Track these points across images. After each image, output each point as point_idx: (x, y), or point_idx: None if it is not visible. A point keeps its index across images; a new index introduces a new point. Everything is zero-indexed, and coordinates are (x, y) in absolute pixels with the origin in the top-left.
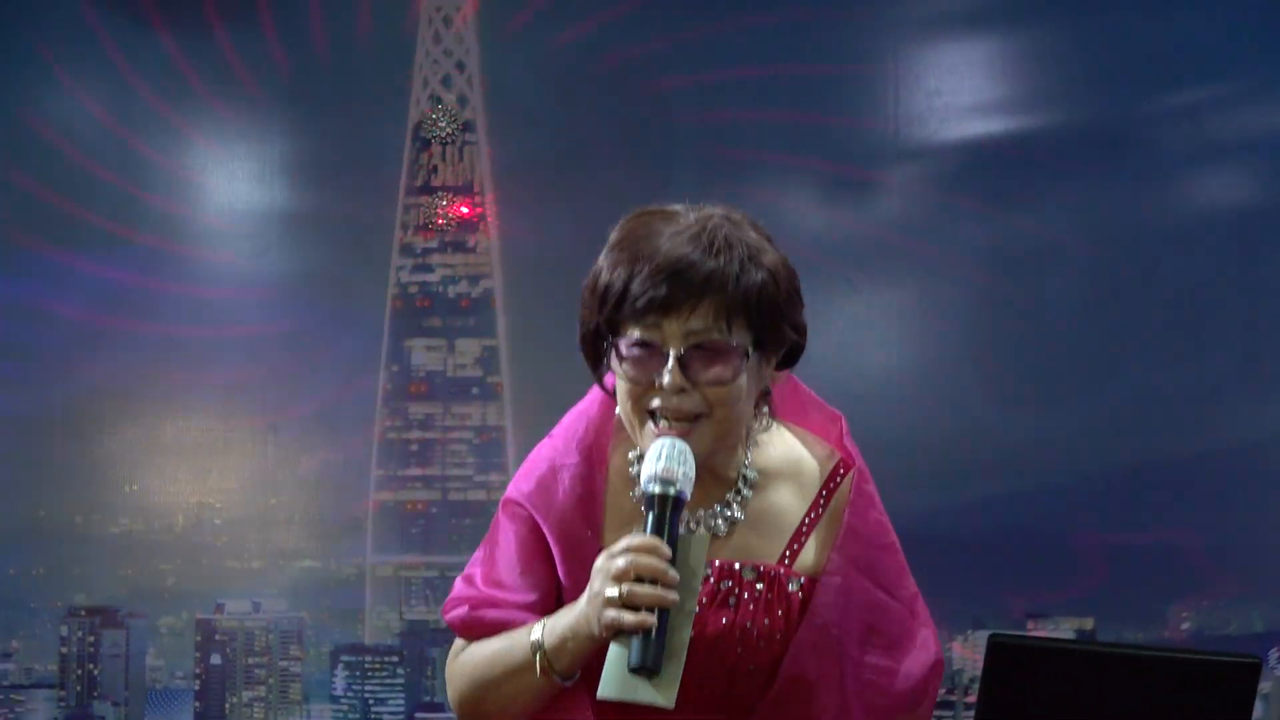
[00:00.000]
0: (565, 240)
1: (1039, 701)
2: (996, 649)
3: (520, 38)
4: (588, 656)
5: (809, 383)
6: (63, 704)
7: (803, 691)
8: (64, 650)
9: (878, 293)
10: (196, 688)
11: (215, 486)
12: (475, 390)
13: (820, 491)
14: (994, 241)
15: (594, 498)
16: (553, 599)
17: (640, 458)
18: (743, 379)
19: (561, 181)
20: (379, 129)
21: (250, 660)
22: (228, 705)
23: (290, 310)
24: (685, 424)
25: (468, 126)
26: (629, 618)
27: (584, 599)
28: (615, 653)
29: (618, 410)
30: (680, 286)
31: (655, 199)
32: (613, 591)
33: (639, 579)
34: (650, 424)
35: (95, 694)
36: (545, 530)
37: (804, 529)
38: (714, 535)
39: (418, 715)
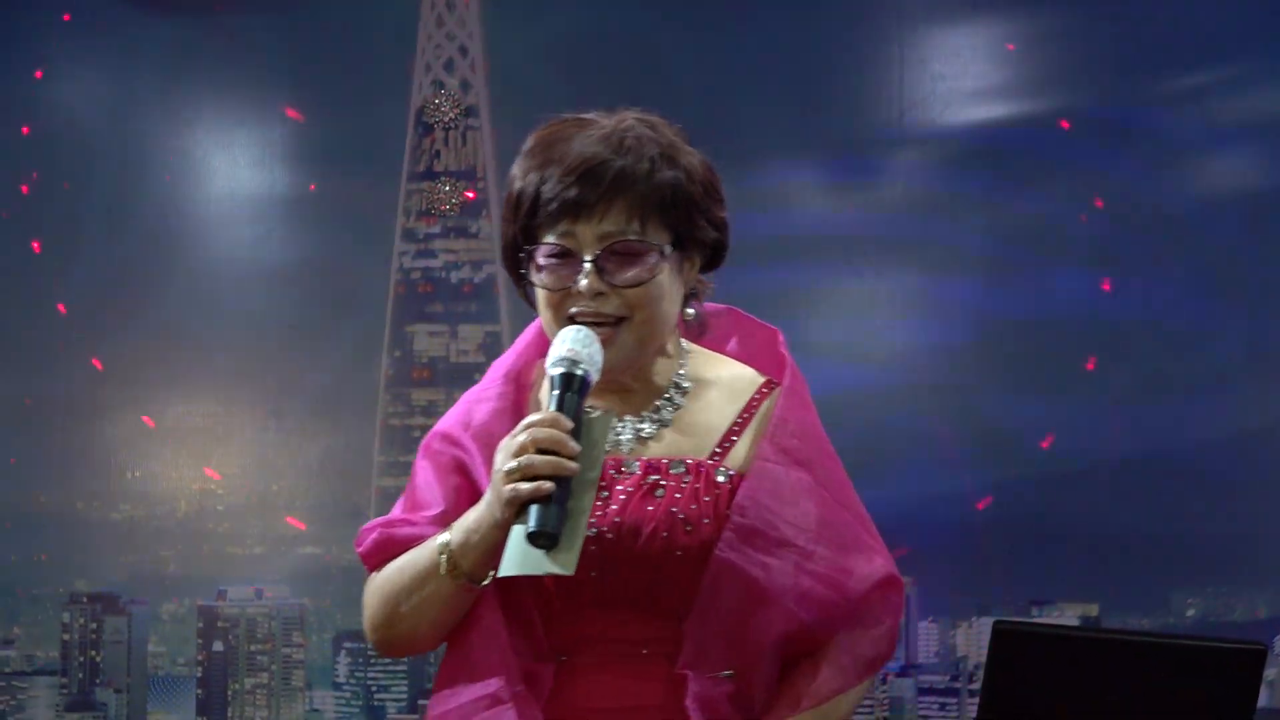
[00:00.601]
0: None
1: (1044, 688)
2: (1001, 635)
3: (523, 22)
4: (495, 549)
5: (813, 363)
6: (65, 691)
7: (739, 583)
8: (66, 637)
9: (882, 277)
10: (199, 674)
11: (217, 472)
12: (478, 376)
13: (753, 396)
14: (999, 226)
15: (518, 410)
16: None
17: None
18: (662, 278)
19: None
20: (381, 114)
21: (252, 647)
22: (230, 692)
23: (292, 295)
24: (607, 329)
25: (470, 111)
26: (525, 487)
27: (489, 487)
28: (516, 531)
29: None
30: (590, 187)
31: None
32: (511, 464)
33: (539, 452)
34: (568, 326)
35: (97, 681)
36: (466, 457)
37: (734, 430)
38: (641, 438)
39: (421, 702)
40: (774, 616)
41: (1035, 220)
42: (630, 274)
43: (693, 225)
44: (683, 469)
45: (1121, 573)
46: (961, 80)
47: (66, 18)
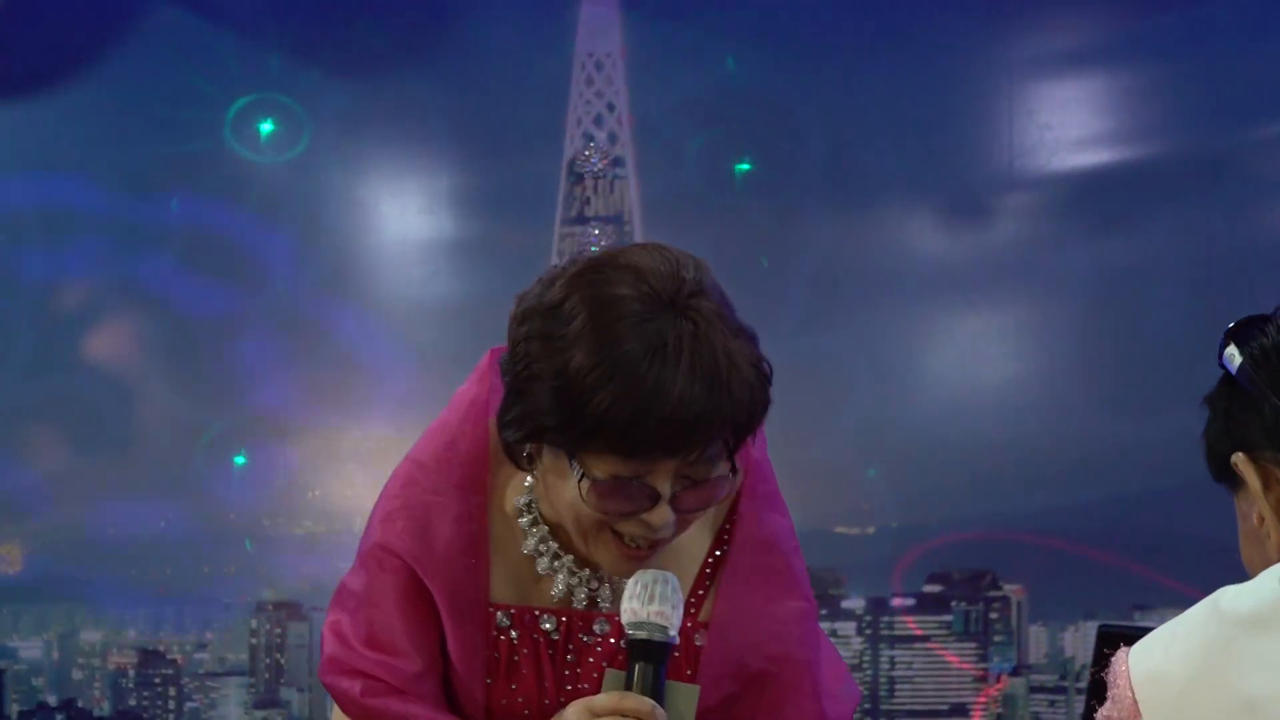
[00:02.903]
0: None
1: None
2: (1105, 638)
3: (664, 80)
4: None
5: (931, 397)
6: (253, 690)
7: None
8: (253, 641)
9: (994, 311)
10: None
11: None
12: None
13: (724, 525)
14: (1101, 263)
15: (479, 548)
16: (440, 664)
17: (530, 505)
18: None
19: (704, 211)
20: (536, 164)
21: None
22: None
23: (457, 329)
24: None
25: (618, 162)
26: None
27: None
28: None
29: (490, 428)
30: (690, 434)
31: (788, 227)
32: None
33: None
34: (615, 544)
35: (282, 681)
36: (430, 586)
37: (706, 572)
38: (602, 579)
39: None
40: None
41: (1134, 257)
42: (703, 503)
43: (754, 432)
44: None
45: (1218, 579)
46: (1067, 130)
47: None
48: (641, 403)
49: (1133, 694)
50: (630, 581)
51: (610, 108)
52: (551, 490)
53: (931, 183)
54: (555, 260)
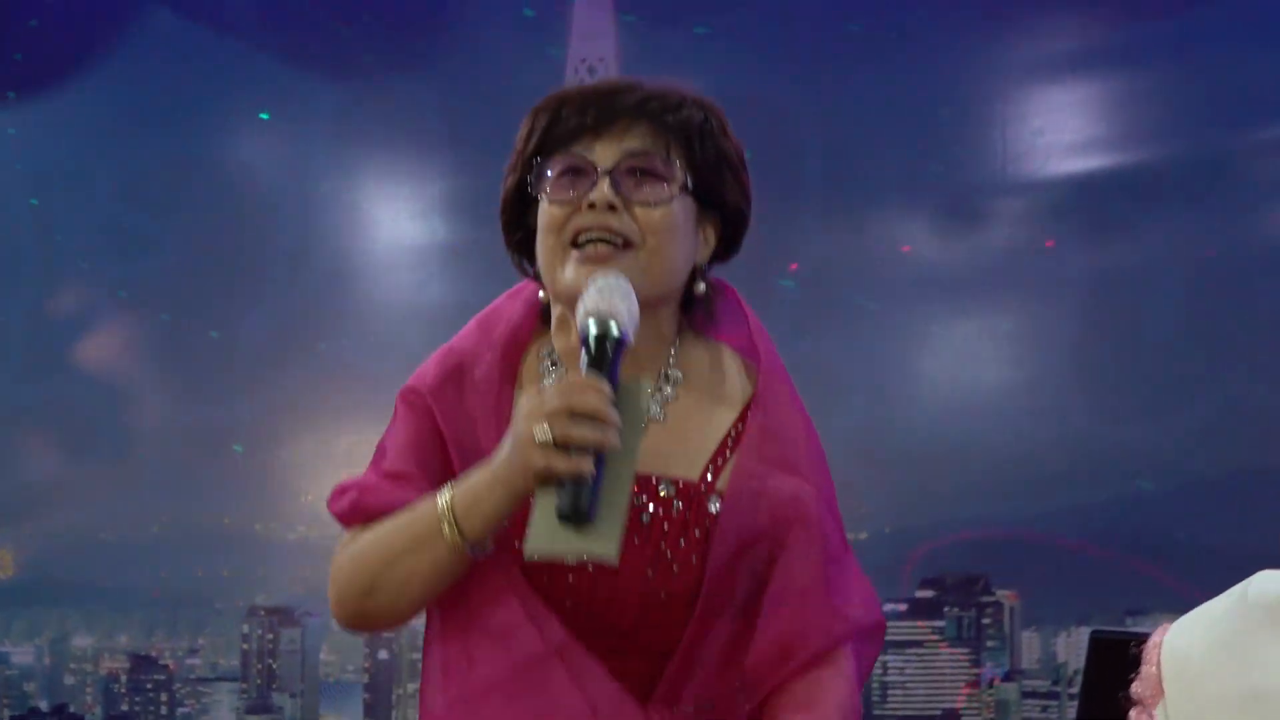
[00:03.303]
0: None
1: None
2: (1098, 643)
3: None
4: (504, 518)
5: (925, 402)
6: (245, 695)
7: (727, 631)
8: (246, 646)
9: (988, 317)
10: (366, 680)
11: None
12: None
13: (746, 406)
14: (1095, 269)
15: (501, 404)
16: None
17: (554, 361)
18: (678, 212)
19: None
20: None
21: (415, 656)
22: (395, 696)
23: (449, 334)
24: (608, 247)
25: None
26: (562, 462)
27: (504, 447)
28: (543, 505)
29: (541, 296)
30: (614, 106)
31: (782, 234)
32: (544, 433)
33: (574, 418)
34: (574, 251)
35: (274, 686)
36: (443, 429)
37: (728, 444)
38: None
39: None
40: (759, 657)
41: (1129, 263)
42: (648, 190)
43: (719, 176)
44: (672, 490)
45: (1212, 586)
46: (1061, 134)
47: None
48: (563, 96)
49: (1158, 670)
50: (588, 284)
51: None
52: (539, 251)
53: (924, 187)
54: None
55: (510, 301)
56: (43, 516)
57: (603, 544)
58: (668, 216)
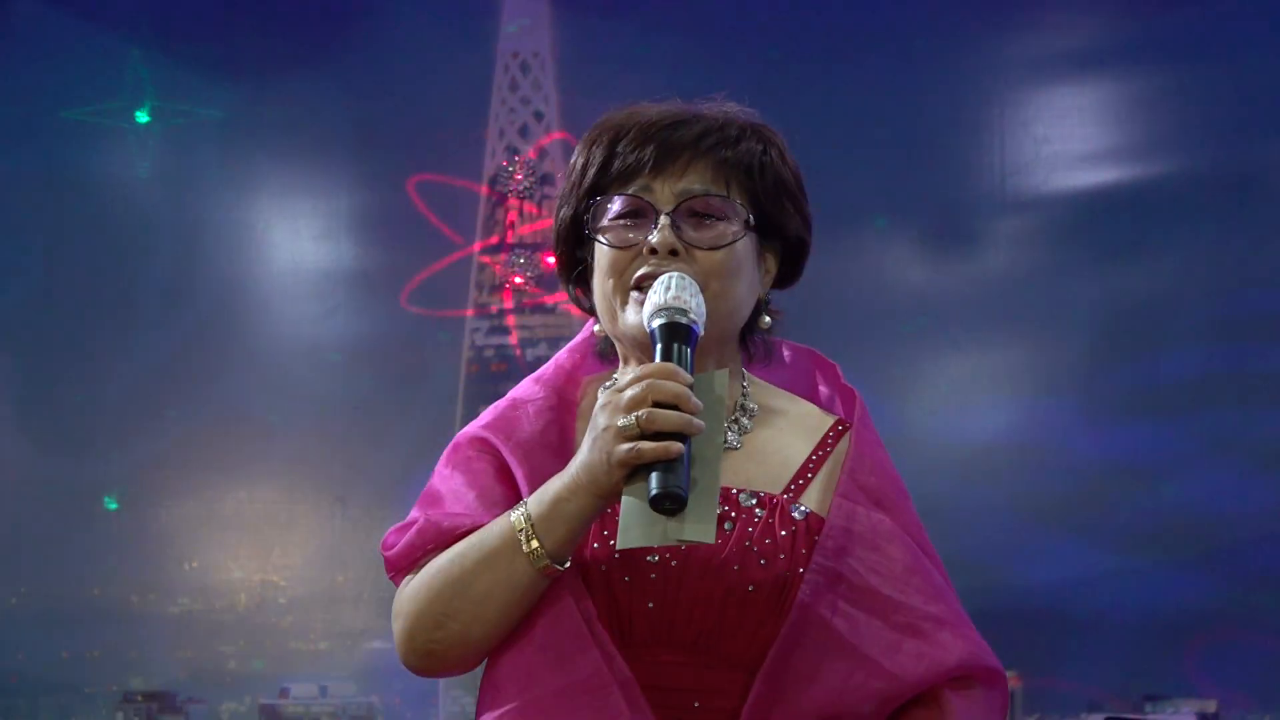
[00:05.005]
0: None
1: None
2: None
3: (602, 83)
4: (586, 525)
5: (911, 449)
6: None
7: (824, 633)
8: None
9: (984, 353)
10: None
11: (279, 563)
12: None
13: (826, 435)
14: (1108, 298)
15: (564, 432)
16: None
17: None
18: (741, 252)
19: None
20: (452, 182)
21: None
22: None
23: (359, 376)
24: None
25: (547, 179)
26: (649, 446)
27: (581, 451)
28: (631, 502)
29: (595, 331)
30: (672, 143)
31: None
32: (627, 420)
33: (657, 405)
34: (635, 293)
35: None
36: (509, 457)
37: (810, 466)
38: None
39: None
40: (863, 677)
41: (1147, 291)
42: (710, 234)
43: (780, 208)
44: (754, 501)
45: (1246, 665)
46: (1067, 144)
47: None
48: (619, 129)
49: None
50: (654, 285)
51: (538, 116)
52: (595, 293)
53: (909, 204)
54: (474, 293)
55: (563, 351)
56: None
57: (698, 527)
58: (730, 259)
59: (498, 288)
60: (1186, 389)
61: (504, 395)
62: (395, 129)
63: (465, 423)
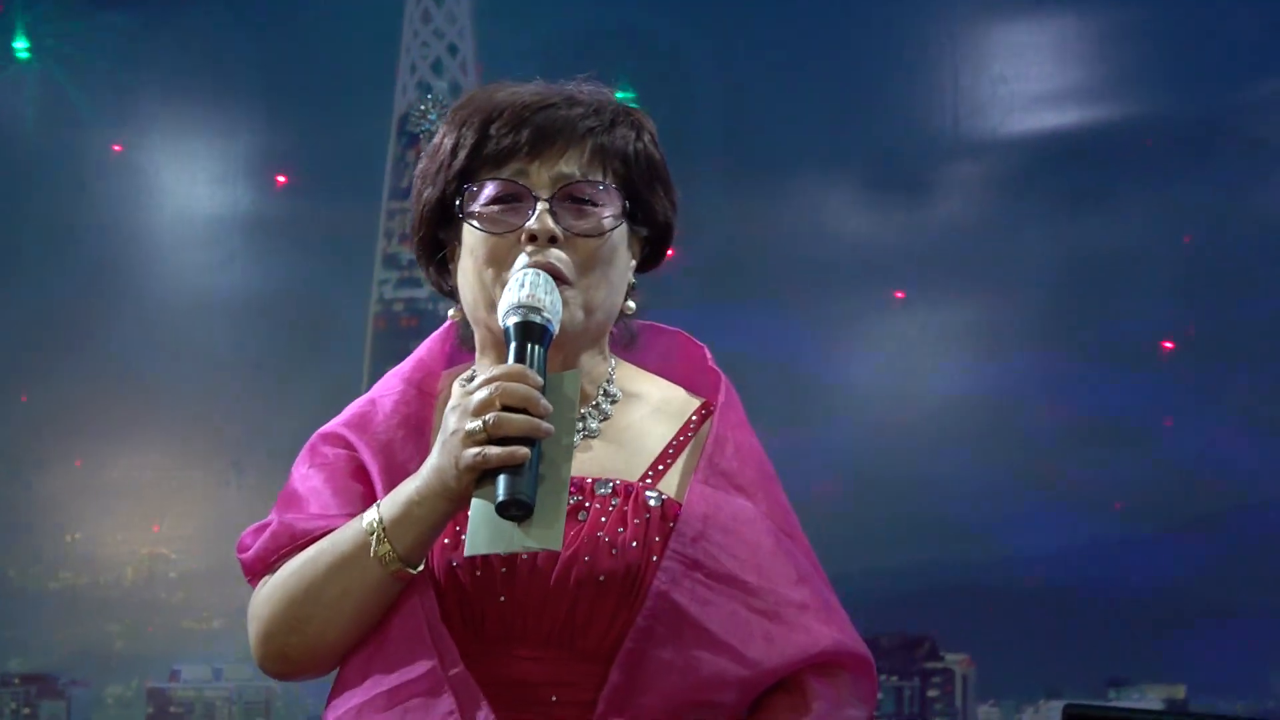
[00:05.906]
0: None
1: None
2: None
3: (521, 16)
4: (438, 527)
5: (853, 415)
6: None
7: (681, 621)
8: None
9: (933, 310)
10: None
11: (169, 535)
12: None
13: (690, 418)
14: (1067, 250)
15: (421, 427)
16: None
17: (469, 379)
18: (616, 240)
19: None
20: (359, 122)
21: None
22: None
23: (257, 330)
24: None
25: None
26: (495, 451)
27: (435, 451)
28: (480, 506)
29: (452, 315)
30: (548, 127)
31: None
32: (474, 424)
33: (505, 409)
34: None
35: None
36: (365, 454)
37: (669, 452)
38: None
39: None
40: (723, 664)
41: (1109, 242)
42: (589, 221)
43: (653, 193)
44: (609, 490)
45: (1213, 650)
46: (1025, 83)
47: None
48: (491, 109)
49: None
50: (510, 279)
51: (452, 50)
52: (462, 278)
53: (853, 148)
54: (382, 243)
55: (422, 346)
56: None
57: (544, 533)
58: (606, 247)
59: (407, 237)
60: (1153, 346)
61: (412, 352)
62: (297, 63)
63: (371, 383)
